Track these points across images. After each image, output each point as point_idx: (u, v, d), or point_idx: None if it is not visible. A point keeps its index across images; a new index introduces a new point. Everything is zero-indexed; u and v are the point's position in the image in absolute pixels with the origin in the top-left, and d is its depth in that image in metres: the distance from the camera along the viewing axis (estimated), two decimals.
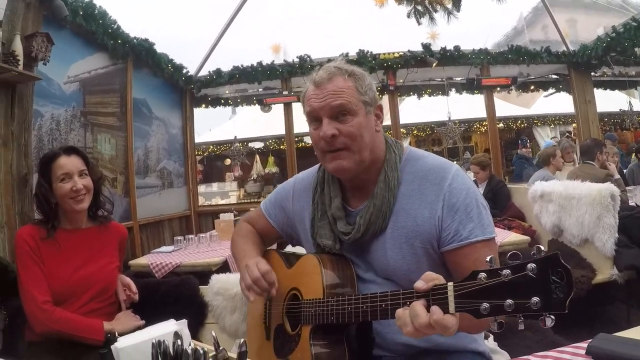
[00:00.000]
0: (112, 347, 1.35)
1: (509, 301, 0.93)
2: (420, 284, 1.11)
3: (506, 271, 0.95)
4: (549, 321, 0.91)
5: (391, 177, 1.55)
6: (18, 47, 3.47)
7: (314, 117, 1.54)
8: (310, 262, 1.63)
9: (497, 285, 0.96)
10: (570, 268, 0.92)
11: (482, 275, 0.99)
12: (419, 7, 4.61)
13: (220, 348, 1.20)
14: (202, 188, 11.00)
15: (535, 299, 0.91)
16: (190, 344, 1.20)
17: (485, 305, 0.97)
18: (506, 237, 4.08)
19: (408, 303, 1.13)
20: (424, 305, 1.09)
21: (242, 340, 1.30)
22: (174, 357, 1.15)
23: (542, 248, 0.94)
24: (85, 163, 2.32)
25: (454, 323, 1.04)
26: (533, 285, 0.92)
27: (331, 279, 1.54)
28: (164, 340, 1.19)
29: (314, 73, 1.58)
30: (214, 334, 1.25)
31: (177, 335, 1.22)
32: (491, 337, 2.01)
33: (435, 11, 4.64)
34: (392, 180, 1.55)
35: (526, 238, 4.12)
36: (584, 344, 1.31)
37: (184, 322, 1.46)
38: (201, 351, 1.13)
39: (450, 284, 1.06)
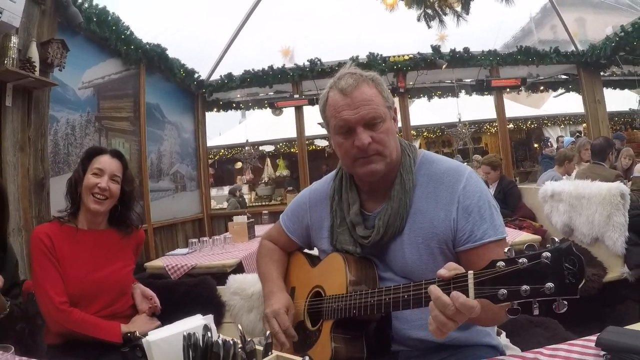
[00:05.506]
0: (144, 340, 1.39)
1: (525, 287, 0.98)
2: (443, 272, 1.17)
3: (523, 259, 1.00)
4: (563, 306, 0.96)
5: (407, 179, 1.60)
6: (34, 53, 3.55)
7: (346, 129, 1.56)
8: (336, 260, 1.67)
9: (514, 272, 1.01)
10: (582, 257, 0.96)
11: (501, 263, 1.04)
12: (429, 11, 4.64)
13: (248, 339, 1.24)
14: (213, 191, 11.07)
15: (549, 284, 0.96)
16: (219, 336, 1.25)
17: (503, 291, 1.02)
18: (517, 236, 4.11)
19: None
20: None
21: (267, 332, 1.35)
22: (204, 349, 1.20)
23: (556, 239, 1.00)
24: (123, 171, 2.34)
25: (477, 305, 1.08)
26: (547, 272, 0.97)
27: (355, 276, 1.59)
28: (194, 333, 1.24)
29: (336, 80, 1.60)
30: (240, 327, 1.29)
31: (206, 328, 1.27)
32: (503, 333, 2.02)
33: (445, 14, 4.68)
34: (407, 182, 1.60)
35: (537, 237, 4.15)
36: (594, 337, 1.33)
37: (210, 317, 1.51)
38: (231, 342, 1.18)
39: (471, 272, 1.11)
